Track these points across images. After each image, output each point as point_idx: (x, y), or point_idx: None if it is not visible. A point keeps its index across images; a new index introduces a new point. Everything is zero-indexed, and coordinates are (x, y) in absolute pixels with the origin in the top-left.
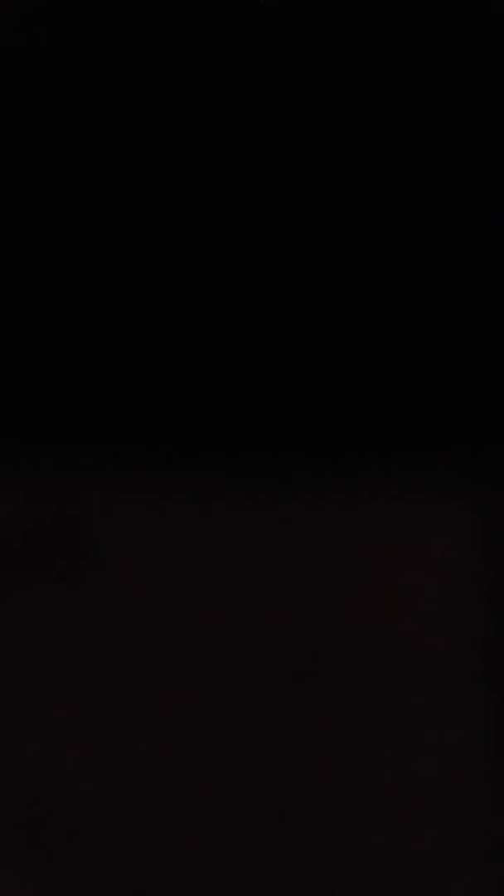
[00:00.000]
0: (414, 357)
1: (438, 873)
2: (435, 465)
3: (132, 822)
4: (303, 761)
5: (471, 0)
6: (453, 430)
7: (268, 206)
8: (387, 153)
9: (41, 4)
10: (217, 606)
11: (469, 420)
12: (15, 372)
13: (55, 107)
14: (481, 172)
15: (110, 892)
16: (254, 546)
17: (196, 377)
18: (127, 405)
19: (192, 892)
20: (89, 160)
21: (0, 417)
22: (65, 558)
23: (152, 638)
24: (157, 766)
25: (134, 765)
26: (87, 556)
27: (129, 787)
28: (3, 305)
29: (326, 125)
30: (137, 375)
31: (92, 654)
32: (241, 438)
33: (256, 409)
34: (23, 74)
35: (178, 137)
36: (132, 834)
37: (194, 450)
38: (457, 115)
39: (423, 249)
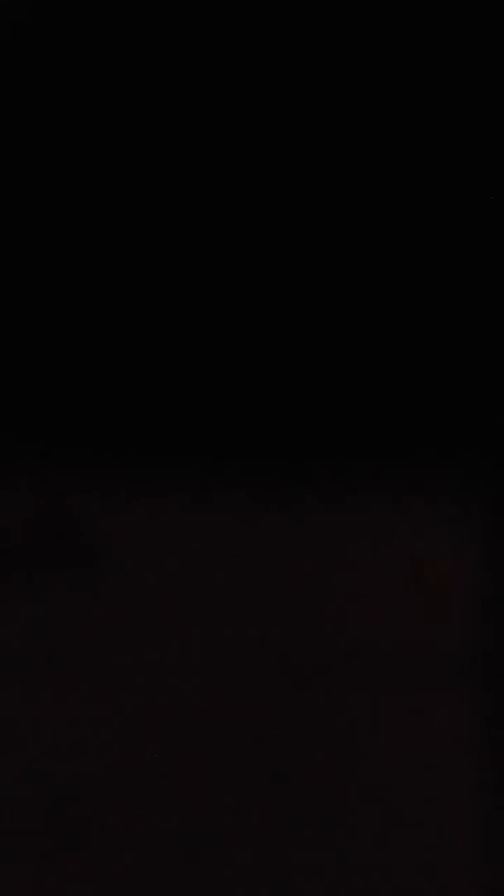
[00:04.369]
0: (416, 360)
1: (438, 872)
2: (436, 467)
3: (135, 819)
4: (303, 760)
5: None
6: (454, 432)
7: (268, 205)
8: (387, 153)
9: (41, 4)
10: (217, 606)
11: (469, 422)
12: (16, 372)
13: (55, 106)
14: (481, 172)
15: (115, 889)
16: (254, 546)
17: (197, 378)
18: (127, 405)
19: (195, 889)
20: (89, 160)
21: (1, 417)
22: (65, 558)
23: (153, 637)
24: (161, 762)
25: (137, 762)
26: (87, 556)
27: (132, 783)
28: (4, 305)
29: (326, 124)
30: (138, 375)
31: (93, 652)
32: (242, 439)
33: (258, 411)
34: (23, 74)
35: (178, 137)
36: (135, 830)
37: (195, 450)
38: (457, 116)
39: (423, 251)
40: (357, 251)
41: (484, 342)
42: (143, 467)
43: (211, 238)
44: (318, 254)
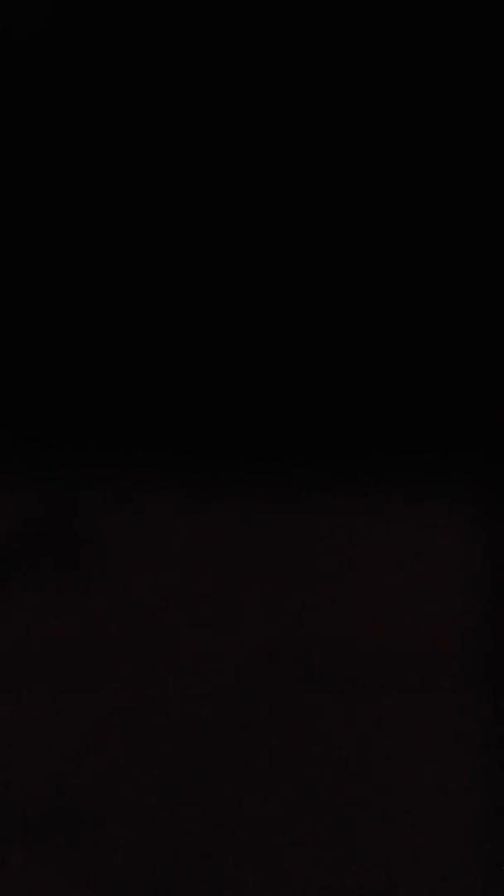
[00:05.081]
0: (415, 358)
1: (438, 871)
2: (436, 467)
3: (133, 820)
4: (302, 759)
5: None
6: (454, 431)
7: (268, 205)
8: (387, 152)
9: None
10: (217, 606)
11: (469, 421)
12: (15, 372)
13: (55, 105)
14: (481, 172)
15: (114, 890)
16: (253, 546)
17: (196, 377)
18: (127, 405)
19: (193, 890)
20: (89, 160)
21: (1, 417)
22: (65, 558)
23: (152, 637)
24: (158, 764)
25: (135, 763)
26: (86, 556)
27: (131, 785)
28: (4, 305)
29: (326, 125)
30: (137, 375)
31: (92, 653)
32: (241, 439)
33: (257, 410)
34: (24, 72)
35: (178, 137)
36: (133, 831)
37: (194, 449)
38: (457, 115)
39: (423, 251)
40: (357, 252)
41: (483, 342)
42: (144, 467)
43: (210, 238)
44: (318, 254)
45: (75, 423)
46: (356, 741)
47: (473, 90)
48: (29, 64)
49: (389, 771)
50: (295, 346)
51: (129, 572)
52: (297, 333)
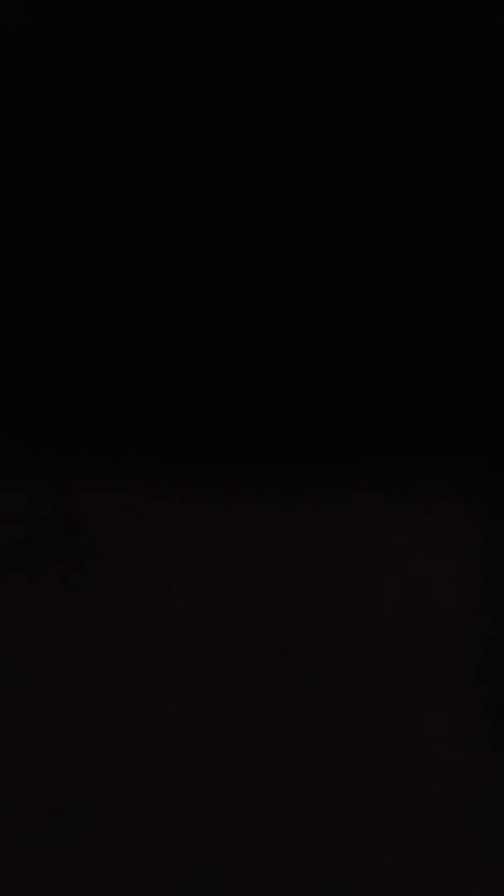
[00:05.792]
0: (415, 359)
1: (438, 871)
2: (435, 467)
3: (133, 820)
4: (303, 760)
5: (471, 1)
6: (454, 430)
7: (268, 206)
8: (387, 152)
9: (42, 5)
10: (217, 606)
11: (469, 422)
12: (15, 372)
13: (55, 106)
14: (481, 172)
15: (111, 889)
16: (254, 546)
17: (196, 378)
18: (127, 406)
19: (192, 890)
20: (89, 160)
21: (1, 417)
22: (65, 558)
23: (153, 637)
24: (158, 764)
25: (135, 763)
26: (87, 556)
27: (130, 785)
28: (4, 305)
29: (327, 125)
30: (137, 376)
31: (92, 653)
32: (241, 439)
33: (257, 410)
34: (24, 73)
35: (178, 136)
36: (133, 832)
37: (195, 450)
38: (457, 115)
39: (423, 250)
40: (357, 252)
41: (484, 342)
42: (143, 468)
43: (211, 238)
44: (318, 255)
45: (76, 424)
46: (356, 739)
47: (474, 91)
48: (27, 64)
49: (388, 768)
50: (295, 346)
51: (129, 572)
52: (297, 334)
